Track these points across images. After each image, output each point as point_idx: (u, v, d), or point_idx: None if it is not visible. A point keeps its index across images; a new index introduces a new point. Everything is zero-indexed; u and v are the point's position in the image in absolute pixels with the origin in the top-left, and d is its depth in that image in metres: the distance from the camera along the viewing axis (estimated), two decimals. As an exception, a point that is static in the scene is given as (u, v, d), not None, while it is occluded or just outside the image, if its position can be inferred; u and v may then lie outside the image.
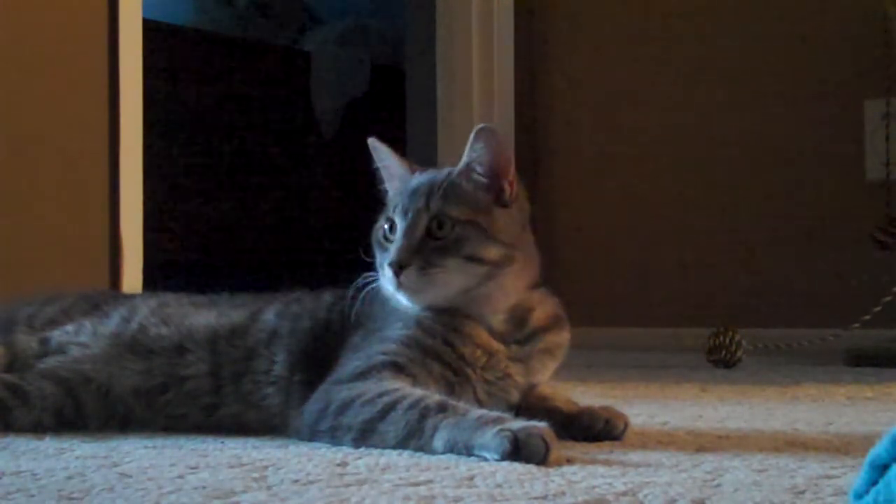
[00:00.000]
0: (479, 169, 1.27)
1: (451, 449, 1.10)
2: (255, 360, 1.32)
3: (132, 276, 2.31)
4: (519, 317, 1.30)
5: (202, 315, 1.39)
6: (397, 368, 1.22)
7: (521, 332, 1.30)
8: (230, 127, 4.15)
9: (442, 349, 1.25)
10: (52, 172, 2.30)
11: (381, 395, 1.16)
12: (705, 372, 2.42)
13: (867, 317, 2.70)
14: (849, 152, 3.18)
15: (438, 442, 1.10)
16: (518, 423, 1.08)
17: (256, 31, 4.82)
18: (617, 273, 3.55)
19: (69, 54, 2.35)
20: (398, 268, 1.23)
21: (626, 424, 1.28)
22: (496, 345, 1.28)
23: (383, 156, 1.36)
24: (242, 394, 1.31)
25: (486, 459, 1.06)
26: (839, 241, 3.15)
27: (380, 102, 4.64)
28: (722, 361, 2.54)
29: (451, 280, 1.25)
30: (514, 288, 1.29)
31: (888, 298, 2.71)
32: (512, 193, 1.28)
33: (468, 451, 1.09)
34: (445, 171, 1.30)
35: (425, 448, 1.11)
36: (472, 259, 1.25)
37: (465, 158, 1.28)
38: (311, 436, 1.20)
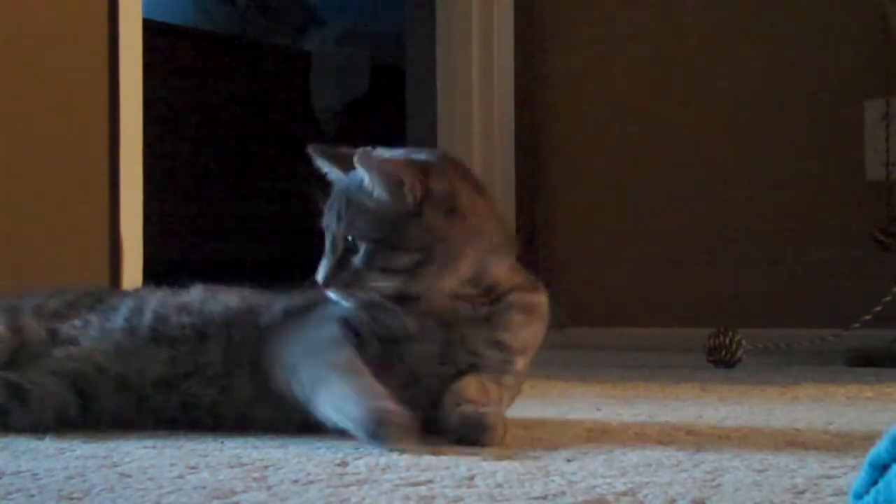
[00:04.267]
0: (373, 195, 1.28)
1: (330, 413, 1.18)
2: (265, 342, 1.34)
3: (132, 276, 2.31)
4: (479, 283, 1.31)
5: (220, 300, 1.41)
6: (346, 324, 1.29)
7: (487, 295, 1.31)
8: (230, 127, 4.16)
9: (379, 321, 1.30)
10: (52, 172, 2.30)
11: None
12: (705, 372, 2.42)
13: (867, 317, 2.70)
14: (849, 152, 3.18)
15: (325, 406, 1.18)
16: (388, 406, 1.14)
17: (256, 31, 4.82)
18: (617, 273, 3.55)
19: (69, 54, 2.35)
20: (324, 287, 1.29)
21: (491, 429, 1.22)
22: (451, 307, 1.29)
23: (321, 165, 1.37)
24: (254, 375, 1.33)
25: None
26: (839, 241, 3.15)
27: (380, 102, 4.65)
28: (722, 361, 2.54)
29: (374, 290, 1.28)
30: (451, 274, 1.29)
31: (888, 298, 2.71)
32: (418, 196, 1.27)
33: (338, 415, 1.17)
34: (358, 179, 1.30)
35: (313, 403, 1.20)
36: (386, 270, 1.27)
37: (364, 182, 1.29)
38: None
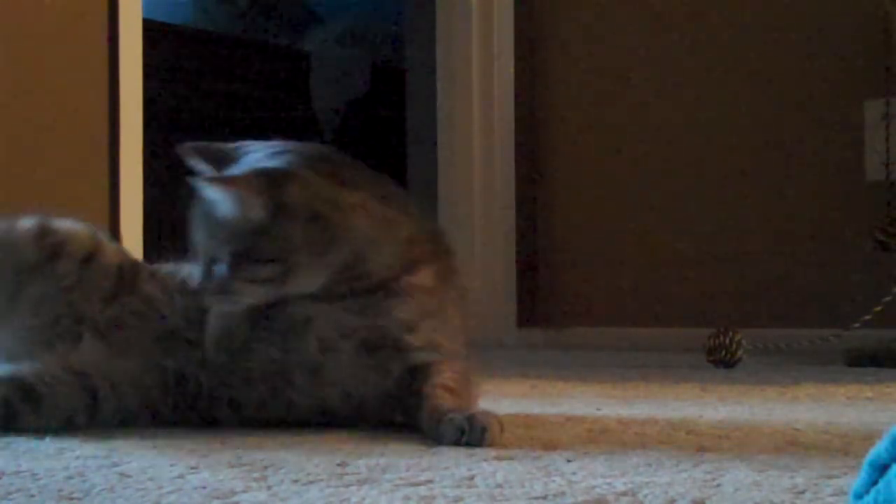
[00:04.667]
0: (221, 211, 1.26)
1: None
2: None
3: (132, 276, 2.31)
4: (355, 279, 1.28)
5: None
6: None
7: (366, 290, 1.28)
8: (230, 127, 4.15)
9: None
10: (52, 172, 2.30)
11: None
12: (705, 372, 2.42)
13: (867, 317, 2.70)
14: (849, 152, 3.18)
15: None
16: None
17: (256, 31, 4.82)
18: (617, 273, 3.55)
19: (69, 54, 2.35)
20: (201, 294, 1.30)
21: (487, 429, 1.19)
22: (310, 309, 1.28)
23: (195, 165, 1.33)
24: None
25: None
26: (839, 241, 3.15)
27: (380, 102, 4.65)
28: (722, 361, 2.54)
29: (245, 297, 1.28)
30: (315, 278, 1.27)
31: (888, 298, 2.71)
32: (268, 210, 1.24)
33: None
34: (208, 195, 1.28)
35: None
36: (253, 281, 1.26)
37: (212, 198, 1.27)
38: None
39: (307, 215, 1.25)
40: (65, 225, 1.41)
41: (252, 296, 1.27)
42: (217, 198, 1.25)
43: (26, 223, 1.40)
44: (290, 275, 1.26)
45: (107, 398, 1.31)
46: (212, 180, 1.26)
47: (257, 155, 1.30)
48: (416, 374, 1.28)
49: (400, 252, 1.30)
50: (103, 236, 1.46)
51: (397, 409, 1.31)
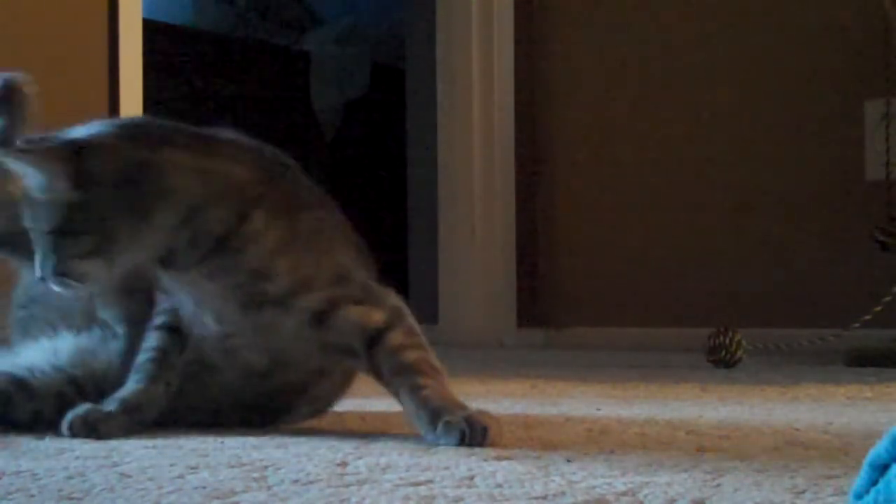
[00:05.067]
0: (27, 185, 1.25)
1: None
2: None
3: (132, 276, 2.31)
4: (193, 239, 1.24)
5: None
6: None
7: (204, 248, 1.25)
8: (230, 127, 4.15)
9: None
10: (52, 172, 2.30)
11: None
12: (705, 372, 2.42)
13: (867, 317, 2.70)
14: (849, 152, 3.19)
15: None
16: None
17: (256, 31, 4.82)
18: (617, 273, 3.55)
19: (69, 54, 2.35)
20: (43, 281, 1.26)
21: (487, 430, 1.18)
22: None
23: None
24: None
25: None
26: (839, 241, 3.15)
27: (380, 102, 4.65)
28: (722, 361, 2.54)
29: (85, 281, 1.25)
30: (147, 239, 1.23)
31: (888, 298, 2.71)
32: (69, 181, 1.21)
33: None
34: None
35: None
36: (76, 257, 1.23)
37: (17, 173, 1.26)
38: None
39: (115, 180, 1.22)
40: None
41: (92, 275, 1.23)
42: (22, 172, 1.23)
43: None
44: (114, 244, 1.22)
45: (93, 388, 1.32)
46: (15, 152, 1.22)
47: (69, 133, 1.27)
48: (326, 319, 1.25)
49: (231, 203, 1.25)
50: None
51: (329, 352, 1.28)
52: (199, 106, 4.09)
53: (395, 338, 1.23)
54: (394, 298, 1.28)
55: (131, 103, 2.42)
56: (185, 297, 1.28)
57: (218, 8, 4.81)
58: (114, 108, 2.39)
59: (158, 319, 1.31)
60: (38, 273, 1.24)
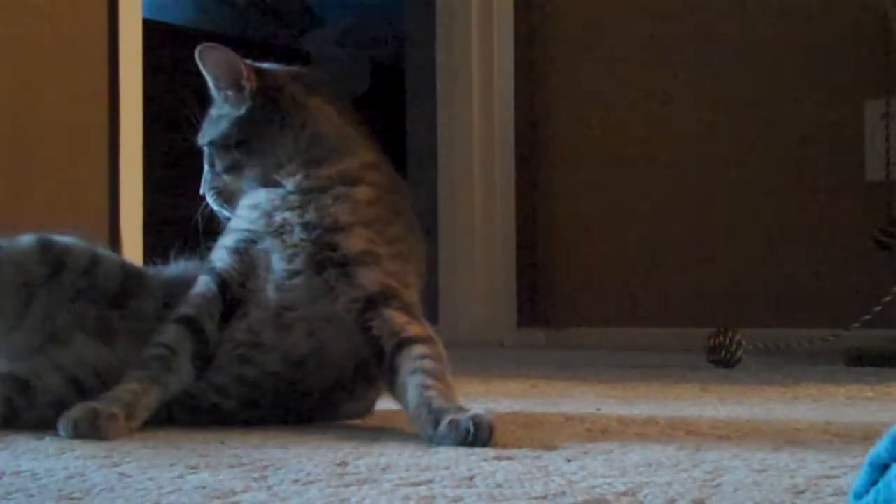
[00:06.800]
0: (215, 86, 1.42)
1: None
2: None
3: (132, 276, 2.31)
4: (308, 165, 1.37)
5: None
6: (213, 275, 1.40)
7: (315, 178, 1.36)
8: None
9: None
10: (52, 172, 2.30)
11: None
12: (705, 372, 2.42)
13: (867, 317, 2.70)
14: (849, 152, 3.19)
15: None
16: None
17: (256, 31, 4.83)
18: (617, 273, 3.55)
19: (69, 54, 2.35)
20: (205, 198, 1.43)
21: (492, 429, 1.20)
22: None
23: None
24: None
25: None
26: (839, 241, 3.15)
27: (380, 102, 4.64)
28: (722, 361, 2.54)
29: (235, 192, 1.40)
30: (276, 162, 1.37)
31: (888, 298, 2.71)
32: (252, 88, 1.39)
33: None
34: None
35: None
36: (227, 171, 1.40)
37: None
38: None
39: (276, 106, 1.39)
40: (63, 238, 1.44)
41: (233, 189, 1.38)
42: (207, 72, 1.42)
43: (26, 240, 1.41)
44: (250, 160, 1.37)
45: (94, 389, 1.31)
46: (204, 53, 1.40)
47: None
48: (374, 308, 1.29)
49: (349, 163, 1.38)
50: (98, 247, 1.48)
51: (361, 353, 1.32)
52: (199, 106, 4.09)
53: (422, 349, 1.26)
54: (431, 328, 1.33)
55: (131, 103, 2.42)
56: (261, 249, 1.33)
57: (218, 8, 4.81)
58: (114, 108, 2.39)
59: (181, 310, 1.33)
60: (201, 191, 1.40)
